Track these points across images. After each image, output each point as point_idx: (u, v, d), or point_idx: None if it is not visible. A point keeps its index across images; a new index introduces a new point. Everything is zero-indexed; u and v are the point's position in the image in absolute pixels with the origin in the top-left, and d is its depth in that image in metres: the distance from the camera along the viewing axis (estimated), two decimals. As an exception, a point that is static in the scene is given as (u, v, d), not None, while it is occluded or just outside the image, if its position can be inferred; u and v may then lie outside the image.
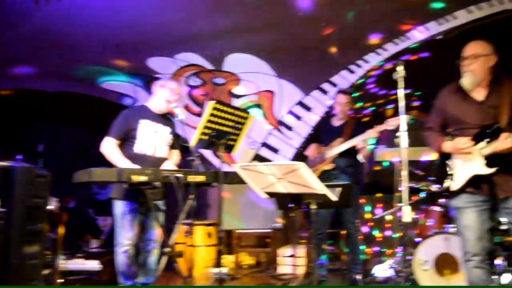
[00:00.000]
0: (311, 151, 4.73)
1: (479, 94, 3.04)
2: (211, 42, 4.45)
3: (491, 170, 2.92)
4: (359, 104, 5.97)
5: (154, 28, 4.08)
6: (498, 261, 4.13)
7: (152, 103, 3.82)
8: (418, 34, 4.24)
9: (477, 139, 2.98)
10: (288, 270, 5.25)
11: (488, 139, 2.92)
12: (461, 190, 3.04)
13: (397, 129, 3.12)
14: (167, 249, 3.42)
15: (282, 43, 4.54)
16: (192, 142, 3.42)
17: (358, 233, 4.70)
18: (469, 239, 3.07)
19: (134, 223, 3.59)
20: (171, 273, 4.28)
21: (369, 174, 6.40)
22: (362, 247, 5.96)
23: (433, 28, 4.12)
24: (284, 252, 5.30)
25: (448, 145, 3.09)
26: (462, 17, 3.82)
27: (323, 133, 4.81)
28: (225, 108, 3.45)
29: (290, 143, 5.52)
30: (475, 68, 2.98)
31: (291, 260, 5.30)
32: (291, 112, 5.42)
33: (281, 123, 5.48)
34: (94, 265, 4.61)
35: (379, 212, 5.92)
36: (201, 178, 3.46)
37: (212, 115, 3.39)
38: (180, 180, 3.29)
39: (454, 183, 3.08)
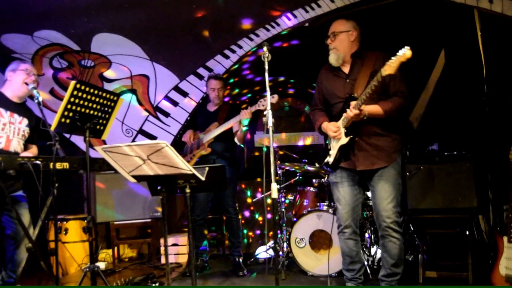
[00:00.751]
0: (187, 136, 4.70)
1: (346, 69, 3.22)
2: (75, 19, 4.08)
3: (346, 140, 3.11)
4: (236, 91, 6.05)
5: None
6: (366, 234, 4.50)
7: (7, 90, 3.51)
8: (287, 21, 4.37)
9: (342, 112, 3.14)
10: (171, 259, 5.17)
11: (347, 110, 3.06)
12: (337, 164, 3.22)
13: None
14: (28, 245, 3.15)
15: (153, 24, 4.32)
16: (53, 125, 3.15)
17: (238, 217, 4.76)
18: (341, 212, 3.27)
19: None
20: (42, 272, 3.94)
21: (248, 160, 6.55)
22: (244, 231, 6.11)
23: (300, 16, 4.27)
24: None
25: (324, 126, 3.26)
26: (325, 5, 4.01)
27: (199, 118, 4.81)
28: (89, 89, 3.20)
29: (168, 130, 5.39)
30: (336, 45, 3.17)
31: (174, 249, 5.24)
32: (167, 98, 5.29)
33: (157, 109, 5.32)
34: None
35: (259, 196, 6.10)
36: (64, 165, 3.23)
37: (74, 96, 3.13)
38: (40, 168, 3.04)
39: (330, 157, 3.27)
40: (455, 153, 3.89)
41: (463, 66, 4.42)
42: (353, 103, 2.99)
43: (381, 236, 3.20)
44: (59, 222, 4.81)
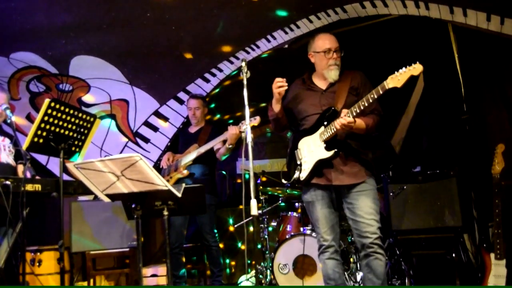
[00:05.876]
0: (165, 158, 4.58)
1: (321, 84, 3.17)
2: (53, 41, 4.02)
3: (331, 153, 2.97)
4: (217, 116, 5.99)
5: (-18, 21, 3.55)
6: (351, 260, 4.38)
7: None
8: (267, 42, 4.39)
9: (317, 125, 3.06)
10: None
11: (325, 123, 3.00)
12: (309, 180, 3.08)
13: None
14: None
15: (133, 47, 4.28)
16: (25, 144, 3.05)
17: (218, 245, 4.60)
18: (321, 231, 3.13)
19: None
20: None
21: (231, 187, 6.43)
22: (227, 261, 5.91)
23: (279, 37, 4.29)
24: (145, 271, 5.01)
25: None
26: (303, 26, 4.04)
27: (180, 141, 4.70)
28: (64, 109, 3.12)
29: (148, 156, 5.28)
30: (338, 61, 3.09)
31: (153, 280, 5.04)
32: (146, 123, 5.21)
33: (137, 134, 5.22)
34: None
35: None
36: (36, 187, 3.11)
37: (48, 115, 3.05)
38: (10, 189, 2.92)
39: (303, 172, 3.11)
40: (438, 171, 3.87)
41: (442, 86, 4.46)
42: (345, 111, 2.89)
43: (364, 256, 2.99)
44: (32, 254, 4.60)
